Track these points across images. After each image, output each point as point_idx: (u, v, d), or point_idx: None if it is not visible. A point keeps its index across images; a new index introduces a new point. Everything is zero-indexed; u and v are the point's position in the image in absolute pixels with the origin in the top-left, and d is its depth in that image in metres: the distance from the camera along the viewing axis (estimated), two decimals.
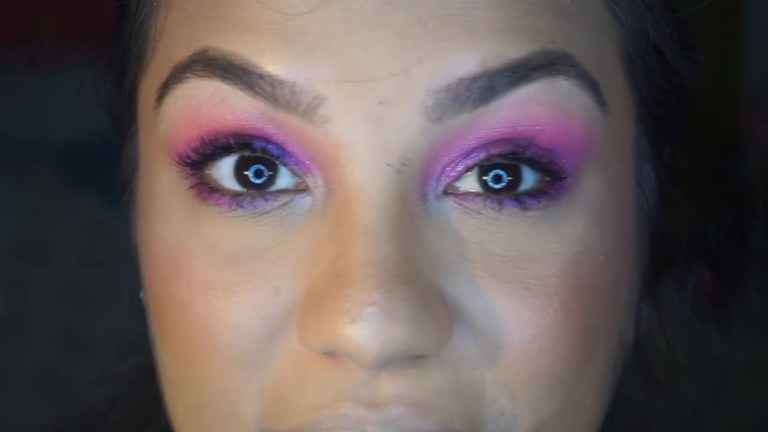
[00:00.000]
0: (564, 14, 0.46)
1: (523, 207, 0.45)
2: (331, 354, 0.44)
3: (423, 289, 0.43)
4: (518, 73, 0.44)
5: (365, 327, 0.42)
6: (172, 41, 0.47)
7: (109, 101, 0.58)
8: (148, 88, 0.50)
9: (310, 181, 0.45)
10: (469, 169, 0.45)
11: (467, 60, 0.44)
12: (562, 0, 0.46)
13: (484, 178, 0.46)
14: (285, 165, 0.46)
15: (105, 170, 0.61)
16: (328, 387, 0.44)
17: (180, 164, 0.47)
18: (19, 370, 1.78)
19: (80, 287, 1.61)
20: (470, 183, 0.46)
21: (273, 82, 0.44)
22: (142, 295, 0.54)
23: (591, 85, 0.46)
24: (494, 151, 0.45)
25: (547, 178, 0.46)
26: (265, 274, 0.45)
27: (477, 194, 0.45)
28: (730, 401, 0.60)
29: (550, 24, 0.45)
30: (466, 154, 0.45)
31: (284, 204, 0.46)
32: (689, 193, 0.57)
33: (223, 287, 0.46)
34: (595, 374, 0.48)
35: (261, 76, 0.44)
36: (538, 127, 0.45)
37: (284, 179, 0.46)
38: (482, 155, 0.45)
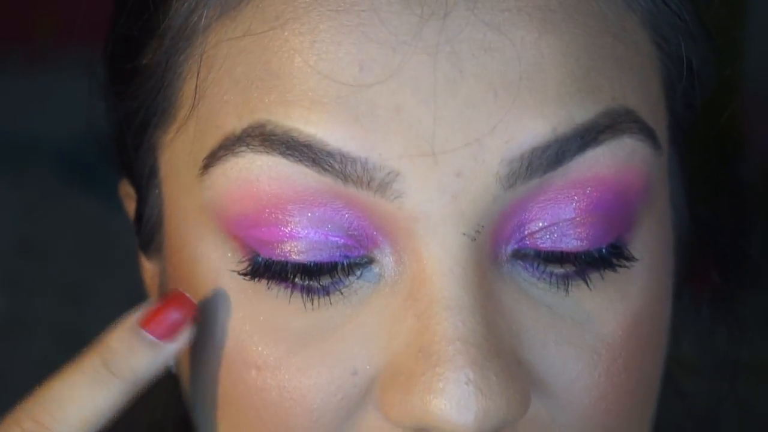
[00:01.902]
0: (620, 63, 0.45)
1: (588, 281, 0.45)
2: (419, 430, 0.43)
3: (508, 360, 0.43)
4: (587, 137, 0.44)
5: (463, 406, 0.41)
6: (218, 107, 0.45)
7: (114, 136, 0.56)
8: (181, 148, 0.48)
9: (377, 253, 0.44)
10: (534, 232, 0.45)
11: (539, 127, 0.43)
12: (618, 48, 0.45)
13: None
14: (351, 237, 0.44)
15: (105, 170, 0.60)
16: None
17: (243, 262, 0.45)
18: (19, 370, 1.77)
19: (80, 287, 1.61)
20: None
21: (343, 159, 0.42)
22: (173, 369, 0.51)
23: (650, 134, 0.46)
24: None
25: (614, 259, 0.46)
26: (339, 355, 0.44)
27: (543, 259, 0.45)
28: (737, 401, 0.60)
29: (609, 78, 0.44)
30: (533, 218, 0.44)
31: (355, 279, 0.45)
32: (691, 193, 0.56)
33: (296, 370, 0.44)
34: (643, 419, 0.49)
35: (329, 154, 0.43)
36: (604, 188, 0.44)
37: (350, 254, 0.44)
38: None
